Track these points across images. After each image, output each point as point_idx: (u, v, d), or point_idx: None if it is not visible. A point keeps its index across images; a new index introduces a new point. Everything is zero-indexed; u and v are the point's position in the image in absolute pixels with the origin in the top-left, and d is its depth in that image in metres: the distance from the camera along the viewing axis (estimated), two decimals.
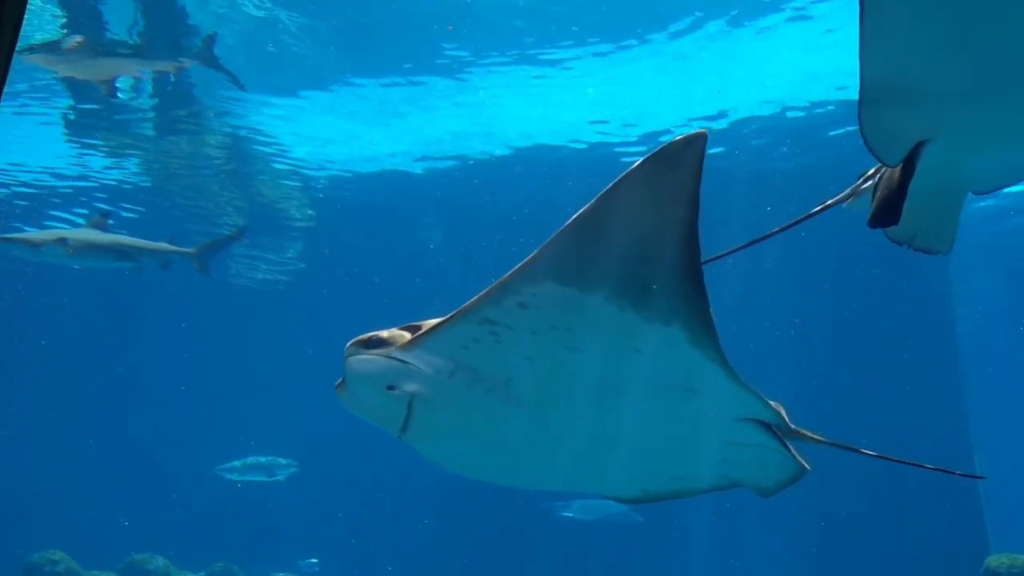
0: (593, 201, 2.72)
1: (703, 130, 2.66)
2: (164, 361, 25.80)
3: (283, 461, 19.11)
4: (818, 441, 3.58)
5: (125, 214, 18.03)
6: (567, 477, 3.83)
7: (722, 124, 14.31)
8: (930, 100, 3.03)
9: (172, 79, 12.44)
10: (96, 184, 17.08)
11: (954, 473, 3.85)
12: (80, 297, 22.11)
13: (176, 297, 21.05)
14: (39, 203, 17.61)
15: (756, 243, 4.16)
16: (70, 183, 17.07)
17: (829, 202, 4.37)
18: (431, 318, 3.24)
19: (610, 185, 2.69)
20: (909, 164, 3.25)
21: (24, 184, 17.23)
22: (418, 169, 16.68)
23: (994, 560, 12.83)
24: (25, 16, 1.45)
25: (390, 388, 3.24)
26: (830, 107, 13.87)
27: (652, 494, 3.70)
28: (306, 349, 22.62)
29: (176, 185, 16.80)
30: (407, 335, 3.25)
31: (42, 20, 10.41)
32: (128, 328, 24.73)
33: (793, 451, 3.48)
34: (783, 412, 3.58)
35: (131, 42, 10.96)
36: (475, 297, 2.96)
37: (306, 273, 22.04)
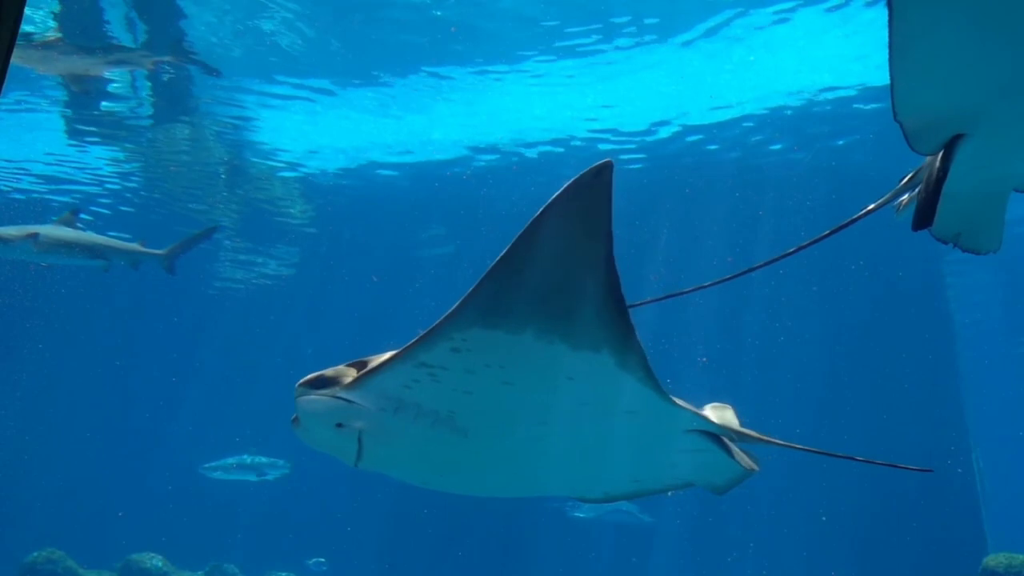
0: (510, 246, 2.77)
1: (609, 160, 2.66)
2: (163, 361, 25.80)
3: (271, 461, 18.85)
4: (765, 441, 3.72)
5: (124, 216, 18.03)
6: (527, 487, 4.05)
7: (718, 119, 14.23)
8: (963, 93, 2.90)
9: (165, 79, 12.43)
10: (93, 185, 17.07)
11: (907, 468, 3.96)
12: (77, 297, 22.09)
13: (173, 297, 21.05)
14: (36, 203, 17.58)
15: (765, 265, 4.12)
16: (67, 184, 17.05)
17: (871, 207, 4.22)
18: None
19: (524, 228, 2.73)
20: (945, 161, 3.14)
21: (22, 184, 17.22)
22: (418, 168, 16.66)
23: (992, 559, 12.84)
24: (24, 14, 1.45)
25: (339, 425, 3.37)
26: (847, 108, 13.79)
27: (613, 495, 3.88)
28: (305, 348, 22.63)
29: (175, 185, 16.78)
30: (353, 373, 3.37)
31: (36, 17, 10.39)
32: (126, 328, 24.73)
33: (737, 453, 3.63)
34: (731, 415, 3.78)
35: (120, 40, 10.94)
36: (412, 340, 3.05)
37: (305, 272, 22.02)
